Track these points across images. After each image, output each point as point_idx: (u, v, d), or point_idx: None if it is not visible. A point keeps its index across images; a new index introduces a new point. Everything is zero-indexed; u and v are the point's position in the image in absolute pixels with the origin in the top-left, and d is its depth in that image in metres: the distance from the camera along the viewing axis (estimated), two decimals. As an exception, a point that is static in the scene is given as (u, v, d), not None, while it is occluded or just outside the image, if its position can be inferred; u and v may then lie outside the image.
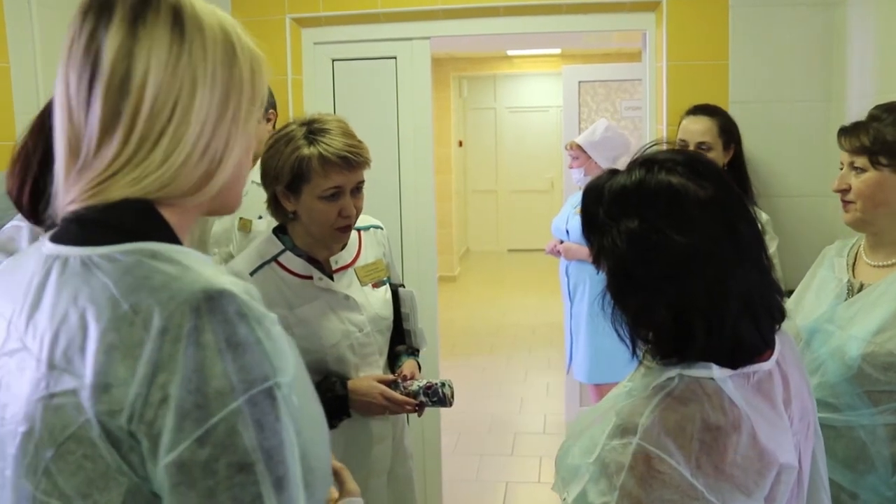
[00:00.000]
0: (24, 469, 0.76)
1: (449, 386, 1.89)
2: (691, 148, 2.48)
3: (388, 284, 1.98)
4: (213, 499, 0.72)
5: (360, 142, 1.79)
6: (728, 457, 1.03)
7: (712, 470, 1.02)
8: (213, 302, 0.74)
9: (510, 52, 8.07)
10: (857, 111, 2.22)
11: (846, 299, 1.67)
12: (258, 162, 1.84)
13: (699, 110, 2.59)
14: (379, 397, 1.83)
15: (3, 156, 2.12)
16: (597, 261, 1.14)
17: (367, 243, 1.97)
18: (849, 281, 1.70)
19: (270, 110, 2.64)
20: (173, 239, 0.83)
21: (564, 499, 1.11)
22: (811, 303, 1.75)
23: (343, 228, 1.80)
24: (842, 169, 1.70)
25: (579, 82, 4.74)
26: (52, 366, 0.76)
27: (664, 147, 1.18)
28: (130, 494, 0.74)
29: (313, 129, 1.75)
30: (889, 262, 1.65)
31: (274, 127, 2.56)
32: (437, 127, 4.57)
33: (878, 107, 1.68)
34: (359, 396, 1.83)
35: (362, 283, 1.91)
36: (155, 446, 0.72)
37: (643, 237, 1.07)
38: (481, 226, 10.57)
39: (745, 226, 1.11)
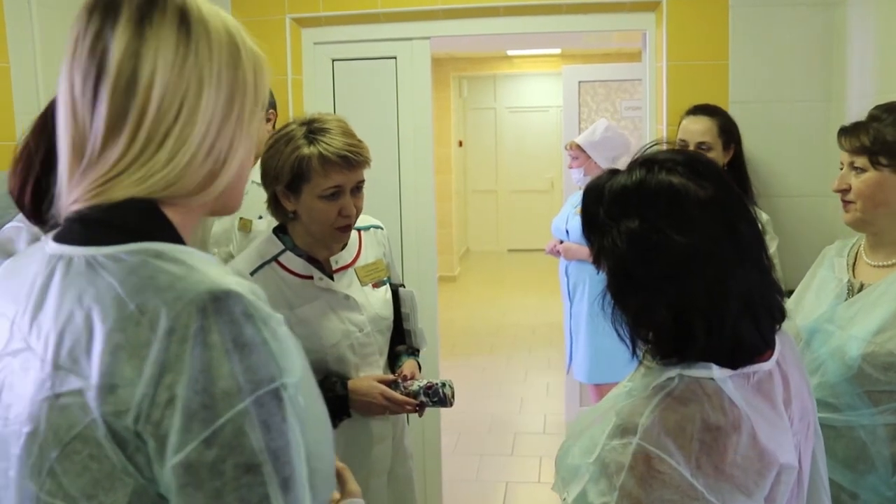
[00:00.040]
0: (29, 470, 0.76)
1: (449, 386, 1.89)
2: (691, 148, 2.48)
3: (388, 284, 1.98)
4: (221, 500, 0.72)
5: (359, 141, 1.79)
6: (728, 457, 1.03)
7: (712, 470, 1.02)
8: (219, 302, 0.74)
9: (510, 52, 8.07)
10: (857, 111, 2.23)
11: (846, 299, 1.67)
12: (258, 162, 1.84)
13: (699, 110, 2.59)
14: (379, 397, 1.83)
15: (3, 156, 2.13)
16: (597, 261, 1.14)
17: (368, 243, 1.97)
18: (849, 281, 1.70)
19: (270, 110, 2.64)
20: (177, 239, 0.83)
21: (564, 499, 1.11)
22: (811, 303, 1.75)
23: (343, 228, 1.80)
24: (842, 169, 1.70)
25: (579, 82, 4.74)
26: (57, 366, 0.75)
27: (664, 147, 1.18)
28: (136, 495, 0.74)
29: (313, 129, 1.75)
30: (889, 262, 1.65)
31: (274, 127, 2.57)
32: (437, 127, 4.57)
33: (878, 107, 1.68)
34: (359, 396, 1.83)
35: (362, 283, 1.91)
36: (162, 447, 0.72)
37: (643, 237, 1.07)
38: (481, 226, 10.57)
39: (746, 226, 1.11)
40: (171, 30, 0.82)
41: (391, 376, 1.91)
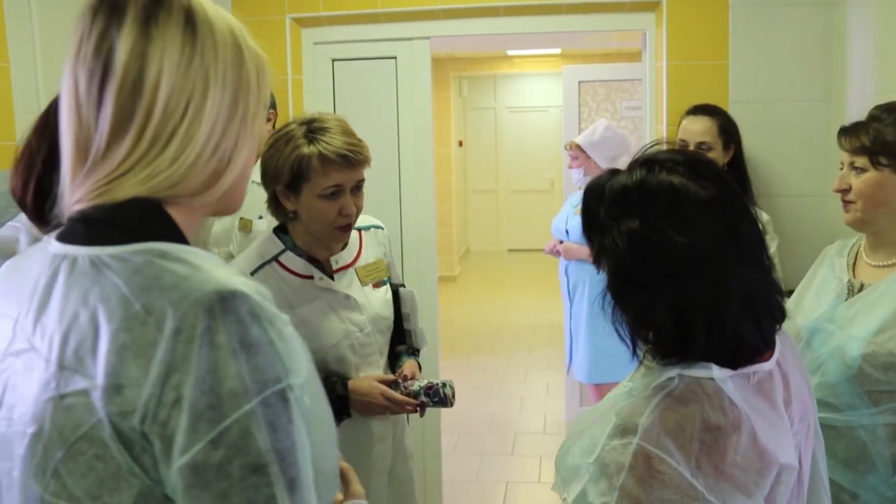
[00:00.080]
0: (33, 470, 0.76)
1: (450, 386, 1.89)
2: (691, 148, 2.48)
3: (388, 284, 1.98)
4: (227, 500, 0.72)
5: (359, 140, 1.79)
6: (728, 457, 1.03)
7: (712, 470, 1.02)
8: (226, 302, 0.74)
9: (510, 52, 8.07)
10: (857, 111, 2.23)
11: (846, 299, 1.67)
12: (258, 162, 1.84)
13: (699, 110, 2.59)
14: (379, 397, 1.83)
15: (3, 155, 2.13)
16: (597, 261, 1.14)
17: (368, 243, 1.97)
18: (849, 281, 1.70)
19: (270, 110, 2.64)
20: (181, 238, 0.83)
21: (564, 499, 1.11)
22: (811, 302, 1.75)
23: (343, 227, 1.80)
24: (842, 169, 1.70)
25: (579, 82, 4.74)
26: (62, 366, 0.75)
27: (665, 147, 1.18)
28: (142, 496, 0.73)
29: (313, 128, 1.75)
30: (889, 262, 1.65)
31: (274, 127, 2.57)
32: (437, 127, 4.57)
33: (878, 107, 1.68)
34: (359, 396, 1.83)
35: (363, 283, 1.91)
36: (168, 447, 0.72)
37: (644, 237, 1.07)
38: (481, 226, 10.57)
39: (746, 226, 1.11)
40: (176, 30, 0.82)
41: (391, 376, 1.91)
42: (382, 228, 2.04)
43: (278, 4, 2.98)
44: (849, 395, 1.57)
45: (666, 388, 1.06)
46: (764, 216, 2.46)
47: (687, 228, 1.06)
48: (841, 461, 1.58)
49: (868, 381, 1.55)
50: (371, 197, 1.90)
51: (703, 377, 1.06)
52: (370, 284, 1.93)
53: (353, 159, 1.74)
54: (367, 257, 1.95)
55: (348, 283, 1.88)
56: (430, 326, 2.91)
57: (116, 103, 0.80)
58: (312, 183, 1.74)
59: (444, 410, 2.43)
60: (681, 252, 1.05)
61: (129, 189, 0.80)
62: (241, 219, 2.62)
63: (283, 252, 1.83)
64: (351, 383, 1.85)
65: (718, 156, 2.52)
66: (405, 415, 1.98)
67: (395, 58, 3.08)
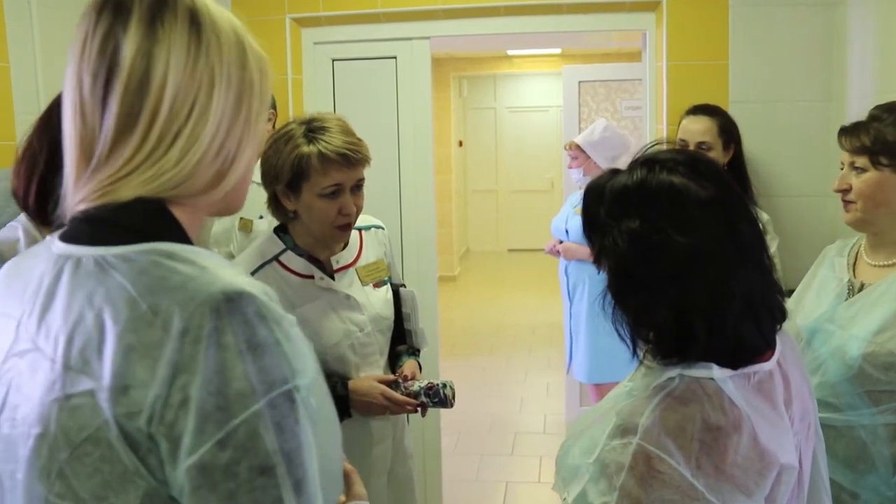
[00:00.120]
0: (38, 472, 0.75)
1: (450, 387, 1.89)
2: (691, 148, 2.48)
3: (389, 284, 1.98)
4: (234, 502, 0.72)
5: (359, 139, 1.79)
6: (728, 457, 1.03)
7: (713, 470, 1.02)
8: (233, 303, 0.74)
9: (510, 52, 8.07)
10: (857, 111, 2.22)
11: (847, 299, 1.67)
12: (258, 162, 1.84)
13: (699, 110, 2.59)
14: (380, 397, 1.83)
15: (3, 155, 2.13)
16: (598, 260, 1.14)
17: (369, 243, 1.97)
18: (849, 280, 1.70)
19: (270, 110, 2.64)
20: (185, 239, 0.83)
21: (564, 499, 1.11)
22: (812, 302, 1.75)
23: (343, 227, 1.80)
24: (842, 169, 1.70)
25: (579, 82, 4.74)
26: (67, 367, 0.75)
27: (665, 147, 1.18)
28: (148, 498, 0.73)
29: (312, 128, 1.75)
30: (890, 262, 1.65)
31: (274, 127, 2.57)
32: (437, 127, 4.57)
33: (878, 107, 1.68)
34: (359, 396, 1.83)
35: (363, 283, 1.91)
36: (175, 448, 0.72)
37: (644, 237, 1.07)
38: (481, 226, 10.57)
39: (747, 226, 1.11)
40: (182, 30, 0.81)
41: (392, 376, 1.90)
42: (383, 228, 2.04)
43: (278, 4, 2.98)
44: (849, 394, 1.57)
45: (666, 388, 1.06)
46: (764, 216, 2.46)
47: (687, 228, 1.06)
48: (841, 461, 1.58)
49: (868, 380, 1.55)
50: (371, 197, 1.90)
51: (703, 377, 1.06)
52: (371, 284, 1.93)
53: (352, 158, 1.74)
54: (368, 257, 1.95)
55: (349, 283, 1.88)
56: (431, 326, 2.91)
57: (122, 103, 0.79)
58: (312, 182, 1.74)
59: (444, 410, 2.43)
60: (681, 252, 1.05)
61: (133, 189, 0.80)
62: (241, 219, 2.62)
63: (283, 252, 1.83)
64: (351, 383, 1.85)
65: (718, 156, 2.52)
66: (405, 415, 1.98)
67: (395, 58, 3.08)
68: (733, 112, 2.65)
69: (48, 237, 0.86)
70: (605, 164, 3.47)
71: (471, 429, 4.45)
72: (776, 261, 2.28)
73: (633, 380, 1.16)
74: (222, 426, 0.71)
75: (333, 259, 1.88)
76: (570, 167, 3.73)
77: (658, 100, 2.91)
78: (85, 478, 0.73)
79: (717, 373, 1.06)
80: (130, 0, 0.81)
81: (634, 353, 1.13)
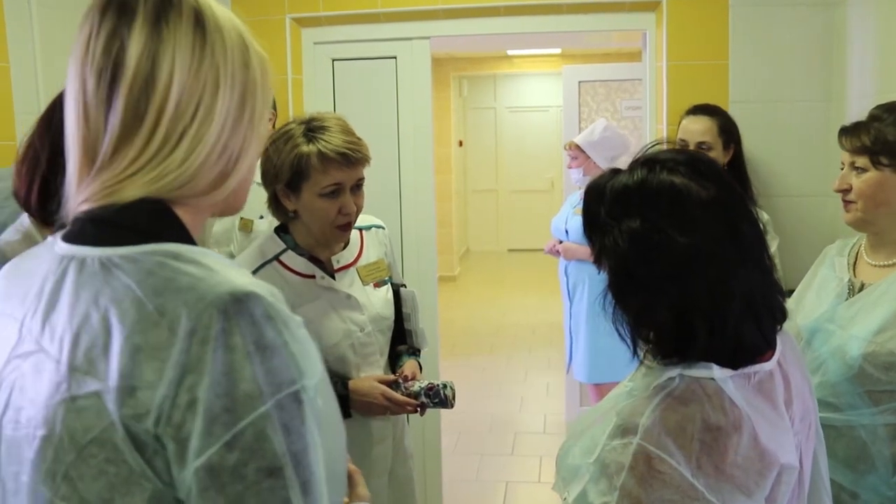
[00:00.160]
0: (43, 474, 0.75)
1: (450, 387, 1.89)
2: (691, 148, 2.48)
3: (389, 284, 1.98)
4: (242, 503, 0.71)
5: (359, 139, 1.79)
6: (729, 457, 1.03)
7: (713, 470, 1.02)
8: (240, 304, 0.74)
9: (510, 52, 8.07)
10: (857, 111, 2.22)
11: (847, 299, 1.67)
12: (258, 161, 1.84)
13: (699, 110, 2.59)
14: (380, 398, 1.83)
15: (2, 155, 2.13)
16: (598, 260, 1.14)
17: (369, 243, 1.97)
18: (849, 280, 1.70)
19: (270, 111, 2.63)
20: (188, 239, 0.83)
21: (565, 499, 1.11)
22: (812, 302, 1.75)
23: (343, 226, 1.80)
24: (843, 169, 1.70)
25: (579, 82, 4.74)
26: (73, 368, 0.74)
27: (666, 147, 1.18)
28: (154, 500, 0.73)
29: (312, 127, 1.75)
30: (890, 262, 1.65)
31: (274, 127, 2.56)
32: (437, 127, 4.57)
33: (878, 107, 1.68)
34: (360, 397, 1.83)
35: (364, 283, 1.91)
36: (183, 450, 0.71)
37: (645, 237, 1.06)
38: (481, 226, 10.57)
39: (747, 226, 1.11)
40: (187, 30, 0.81)
41: (392, 377, 1.90)
42: (384, 228, 2.04)
43: (278, 4, 2.98)
44: (849, 394, 1.57)
45: (667, 388, 1.06)
46: (764, 216, 2.46)
47: (688, 228, 1.05)
48: (841, 461, 1.58)
49: (868, 380, 1.55)
50: (371, 197, 1.90)
51: (703, 377, 1.06)
52: (371, 284, 1.93)
53: (352, 157, 1.74)
54: (369, 257, 1.95)
55: (349, 283, 1.88)
56: (431, 326, 2.91)
57: (127, 103, 0.79)
58: (312, 181, 1.74)
59: (444, 410, 2.43)
60: (682, 252, 1.05)
61: (137, 189, 0.79)
62: (241, 219, 2.62)
63: (284, 251, 1.83)
64: (351, 383, 1.85)
65: (718, 156, 2.52)
66: (405, 415, 1.98)
67: (395, 58, 3.08)
68: (733, 112, 2.65)
69: (49, 237, 0.86)
70: (604, 164, 3.47)
71: (471, 429, 4.45)
72: (776, 261, 2.28)
73: (633, 380, 1.16)
74: (230, 428, 0.71)
75: (334, 259, 1.88)
76: (570, 167, 3.73)
77: (658, 100, 2.91)
78: (90, 480, 0.73)
79: (718, 373, 1.06)
80: (135, 0, 0.81)
81: (635, 353, 1.13)
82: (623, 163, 1.17)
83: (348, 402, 1.83)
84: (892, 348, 1.52)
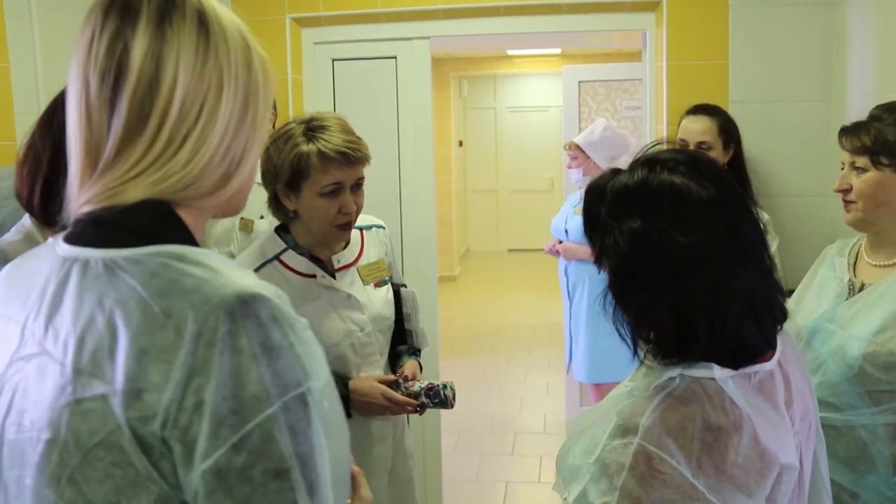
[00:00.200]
0: (47, 477, 0.74)
1: (451, 388, 1.89)
2: (691, 148, 2.48)
3: (389, 284, 1.98)
4: None
5: (358, 138, 1.79)
6: (729, 457, 1.03)
7: (713, 470, 1.02)
8: (247, 306, 0.73)
9: (510, 52, 8.07)
10: (857, 111, 2.23)
11: (847, 299, 1.67)
12: (258, 161, 1.84)
13: (699, 110, 2.60)
14: (380, 398, 1.83)
15: (2, 155, 2.13)
16: (598, 260, 1.14)
17: (370, 243, 1.97)
18: (850, 280, 1.70)
19: (271, 111, 2.64)
20: (191, 241, 0.82)
21: (565, 499, 1.11)
22: (812, 302, 1.75)
23: (343, 226, 1.80)
24: (843, 169, 1.70)
25: (579, 82, 4.74)
26: (78, 371, 0.74)
27: (666, 147, 1.18)
28: (160, 503, 0.73)
29: (312, 127, 1.75)
30: (890, 262, 1.65)
31: (274, 127, 2.57)
32: (437, 127, 4.57)
33: (878, 106, 1.68)
34: (360, 397, 1.83)
35: (364, 283, 1.91)
36: (189, 452, 0.71)
37: (645, 237, 1.06)
38: (481, 226, 10.57)
39: (748, 226, 1.11)
40: (191, 31, 0.81)
41: (392, 377, 1.90)
42: (384, 228, 2.04)
43: (278, 4, 2.98)
44: (849, 394, 1.57)
45: (667, 388, 1.06)
46: (764, 216, 2.45)
47: (688, 228, 1.05)
48: (841, 461, 1.58)
49: (869, 380, 1.55)
50: (371, 196, 1.90)
51: (704, 377, 1.06)
52: (372, 284, 1.93)
53: (352, 157, 1.74)
54: (369, 257, 1.95)
55: (350, 283, 1.88)
56: (431, 326, 2.91)
57: (130, 105, 0.79)
58: (312, 181, 1.74)
59: (444, 410, 2.43)
60: (682, 252, 1.05)
61: (141, 191, 0.79)
62: (241, 219, 2.61)
63: (284, 251, 1.83)
64: (351, 383, 1.85)
65: (718, 156, 2.52)
66: (405, 415, 1.98)
67: (395, 58, 3.08)
68: (733, 112, 2.65)
69: (50, 239, 0.85)
70: (604, 164, 3.47)
71: (471, 429, 4.45)
72: (776, 261, 2.28)
73: (633, 380, 1.16)
74: (237, 430, 0.71)
75: (335, 258, 1.88)
76: (570, 167, 3.73)
77: (658, 100, 2.91)
78: (96, 483, 0.73)
79: (718, 373, 1.06)
80: (138, 1, 0.80)
81: (635, 353, 1.13)
82: (623, 163, 1.16)
83: (348, 402, 1.83)
84: (892, 348, 1.52)
